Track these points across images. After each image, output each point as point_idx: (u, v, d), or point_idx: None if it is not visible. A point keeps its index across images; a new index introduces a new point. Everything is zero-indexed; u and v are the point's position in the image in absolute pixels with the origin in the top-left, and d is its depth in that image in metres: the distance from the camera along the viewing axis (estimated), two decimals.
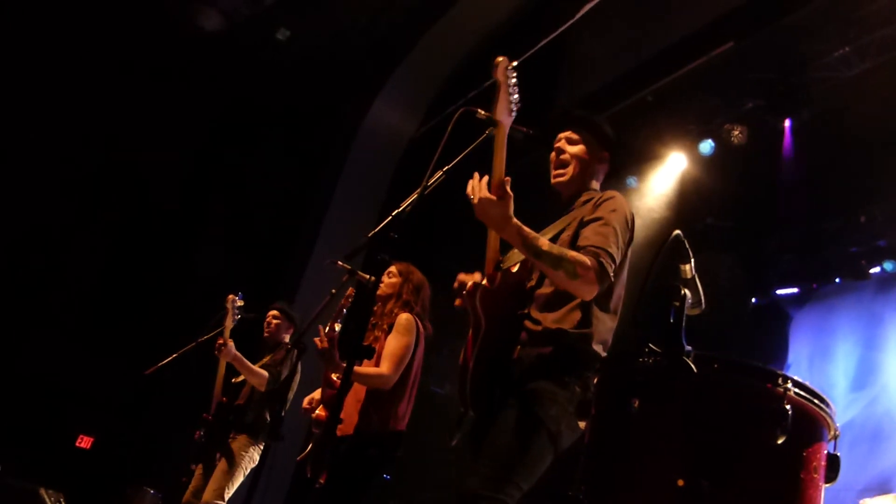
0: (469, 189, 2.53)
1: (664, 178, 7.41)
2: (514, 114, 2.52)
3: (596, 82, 7.15)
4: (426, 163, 2.60)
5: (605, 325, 2.72)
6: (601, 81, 7.12)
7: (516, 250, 2.79)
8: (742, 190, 7.01)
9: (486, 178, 2.51)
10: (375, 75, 8.38)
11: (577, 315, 2.66)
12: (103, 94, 7.62)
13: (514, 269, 2.82)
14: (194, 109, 7.81)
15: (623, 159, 7.20)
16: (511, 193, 2.47)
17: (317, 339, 3.96)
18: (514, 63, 2.50)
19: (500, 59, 2.48)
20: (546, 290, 2.72)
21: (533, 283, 2.77)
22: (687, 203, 7.26)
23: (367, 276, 4.08)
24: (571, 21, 6.14)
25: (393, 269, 4.41)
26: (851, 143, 6.10)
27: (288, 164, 8.27)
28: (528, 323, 2.69)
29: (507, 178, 2.49)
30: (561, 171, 2.99)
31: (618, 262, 2.64)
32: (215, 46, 7.65)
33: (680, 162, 7.23)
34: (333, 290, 4.31)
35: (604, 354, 2.69)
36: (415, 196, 2.65)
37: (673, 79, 6.76)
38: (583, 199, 2.94)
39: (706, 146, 7.01)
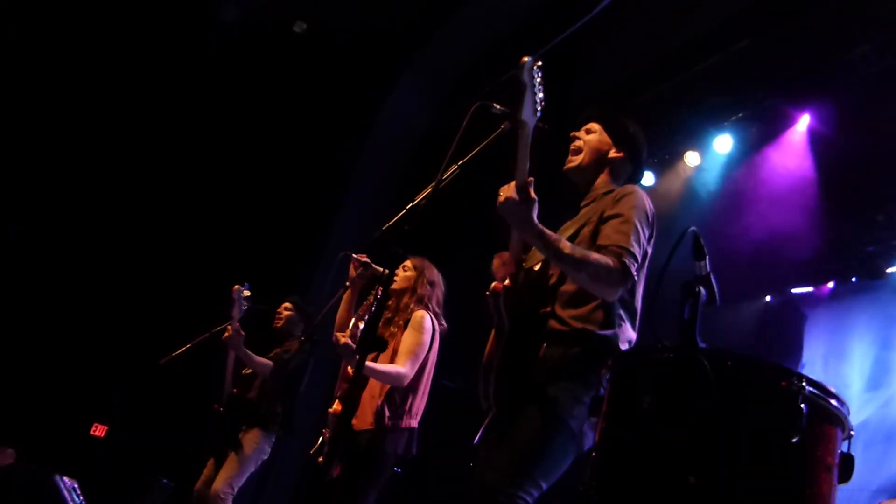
0: (501, 192, 2.50)
1: (679, 175, 7.39)
2: (538, 114, 2.50)
3: (612, 78, 7.12)
4: (442, 155, 2.60)
5: (629, 324, 2.70)
6: (618, 77, 7.10)
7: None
8: (758, 187, 6.97)
9: (513, 183, 2.47)
10: (392, 68, 8.37)
11: (602, 313, 2.63)
12: (114, 83, 7.65)
13: (537, 268, 2.81)
14: (207, 100, 7.82)
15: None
16: (535, 197, 2.44)
17: (339, 335, 3.96)
18: (540, 63, 2.48)
19: (526, 59, 2.45)
20: (569, 287, 2.67)
21: (555, 279, 2.72)
22: (702, 200, 7.23)
23: (381, 270, 4.08)
24: (590, 16, 6.11)
25: (408, 263, 4.40)
26: (870, 141, 6.05)
27: (303, 155, 8.27)
28: (552, 322, 2.65)
29: (531, 178, 2.47)
30: (572, 158, 2.96)
31: (640, 260, 2.61)
32: (232, 36, 7.66)
33: (694, 159, 7.20)
34: (347, 283, 4.32)
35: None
36: (429, 190, 2.65)
37: (689, 76, 6.73)
38: (600, 191, 2.89)
39: (722, 143, 6.98)
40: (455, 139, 2.58)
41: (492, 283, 2.77)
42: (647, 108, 6.77)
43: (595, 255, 2.52)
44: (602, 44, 6.81)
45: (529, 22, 7.18)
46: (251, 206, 8.24)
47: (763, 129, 6.78)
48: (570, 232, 2.78)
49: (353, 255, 4.22)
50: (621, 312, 2.68)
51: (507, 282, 2.74)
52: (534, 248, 2.82)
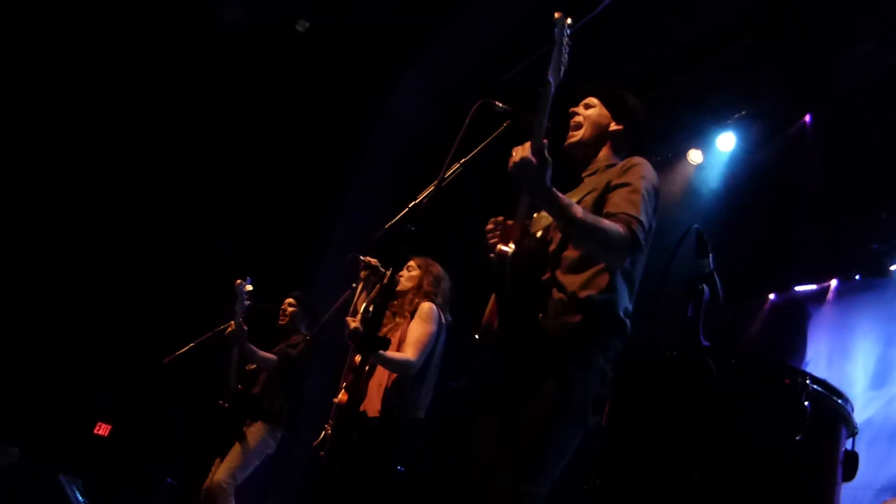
0: (514, 153, 2.45)
1: (681, 173, 7.37)
2: (562, 75, 2.47)
3: (615, 76, 7.10)
4: (445, 154, 2.59)
5: (627, 293, 2.67)
6: (620, 75, 7.08)
7: (542, 215, 2.75)
8: (761, 185, 6.95)
9: (528, 143, 2.43)
10: (395, 66, 8.37)
11: (603, 279, 2.60)
12: (119, 82, 7.65)
13: (539, 234, 2.79)
14: (211, 99, 7.83)
15: (645, 145, 7.17)
16: (549, 159, 2.40)
17: (349, 319, 3.96)
18: (569, 20, 2.47)
19: (559, 14, 2.44)
20: (570, 253, 2.65)
21: (555, 245, 2.70)
22: (704, 198, 7.21)
23: (387, 272, 4.08)
24: (592, 14, 6.09)
25: (412, 263, 4.42)
26: (873, 139, 6.03)
27: (306, 153, 8.27)
28: (554, 290, 2.62)
29: (546, 140, 2.43)
30: (573, 134, 2.95)
31: (647, 231, 2.58)
32: (234, 36, 7.66)
33: (697, 157, 7.18)
34: (354, 285, 4.33)
35: (628, 322, 2.64)
36: (432, 188, 2.65)
37: (691, 74, 6.72)
38: (602, 164, 2.88)
39: (724, 141, 6.96)
40: (457, 137, 2.57)
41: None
42: (650, 106, 6.74)
43: (606, 222, 2.49)
44: (605, 42, 6.79)
45: (532, 21, 7.17)
46: (255, 203, 8.24)
47: (766, 127, 6.76)
48: (573, 200, 2.75)
49: (362, 258, 4.24)
50: (621, 280, 2.65)
51: (511, 246, 2.69)
52: (537, 214, 2.80)
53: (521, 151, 2.41)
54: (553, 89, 2.46)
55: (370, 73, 8.30)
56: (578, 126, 2.95)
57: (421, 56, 8.24)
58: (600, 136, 2.94)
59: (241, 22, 7.62)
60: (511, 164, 2.42)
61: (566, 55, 2.46)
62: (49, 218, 7.54)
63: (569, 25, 2.46)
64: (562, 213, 2.46)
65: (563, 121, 2.98)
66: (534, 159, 2.38)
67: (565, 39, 2.45)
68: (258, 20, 7.72)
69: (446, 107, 8.41)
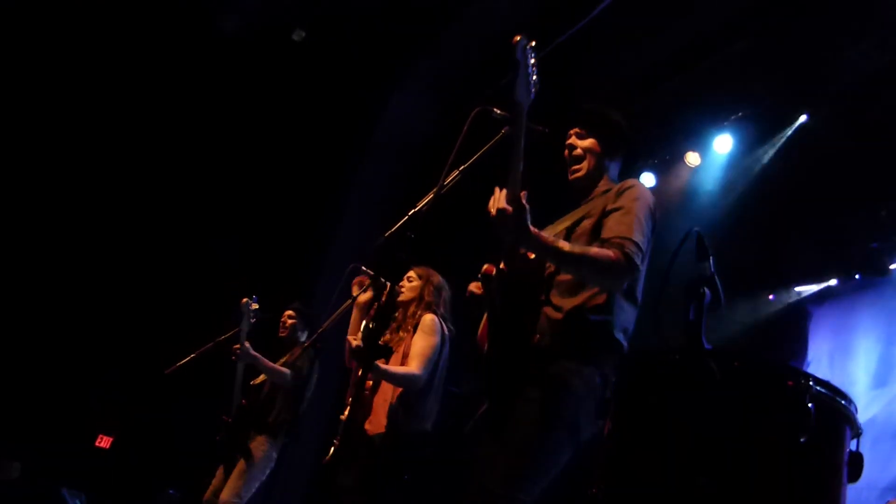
0: (490, 204, 2.46)
1: (679, 175, 7.38)
2: (532, 96, 2.47)
3: (613, 78, 7.11)
4: (444, 161, 2.59)
5: (627, 313, 2.69)
6: (618, 77, 7.09)
7: None
8: (760, 185, 6.96)
9: (504, 192, 2.42)
10: (393, 73, 8.37)
11: (599, 301, 2.61)
12: (121, 88, 7.65)
13: (533, 256, 2.80)
14: (210, 108, 7.83)
15: (638, 155, 7.18)
16: (527, 205, 2.40)
17: (351, 338, 3.96)
18: (533, 42, 2.47)
19: (518, 37, 2.44)
20: (566, 276, 2.68)
21: (552, 269, 2.71)
22: (703, 200, 7.22)
23: (387, 283, 4.08)
24: (590, 17, 6.10)
25: (412, 273, 4.41)
26: (871, 137, 6.03)
27: (305, 161, 8.28)
28: (548, 310, 2.64)
29: (524, 192, 2.42)
30: (577, 167, 2.95)
31: (644, 251, 2.60)
32: (232, 44, 7.67)
33: (695, 159, 7.19)
34: (355, 295, 4.33)
35: (625, 343, 2.65)
36: (431, 196, 2.65)
37: (689, 75, 6.72)
38: (601, 189, 2.90)
39: (722, 143, 6.97)
40: (456, 145, 2.57)
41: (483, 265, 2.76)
42: (647, 108, 6.77)
43: (594, 250, 2.52)
44: (602, 45, 6.80)
45: (530, 25, 7.17)
46: (254, 212, 8.24)
47: (763, 128, 6.77)
48: (568, 223, 2.77)
49: (363, 268, 4.23)
50: (620, 301, 2.67)
51: (502, 266, 2.71)
52: None
53: (498, 202, 2.39)
54: (525, 111, 2.46)
55: (368, 81, 8.31)
56: (580, 159, 2.96)
57: (419, 64, 8.25)
58: (599, 164, 2.96)
59: (243, 26, 7.63)
60: (491, 218, 2.40)
61: (534, 77, 2.45)
62: (48, 231, 7.53)
63: (531, 47, 2.45)
64: (549, 251, 2.48)
65: (561, 143, 2.99)
66: (509, 208, 2.37)
67: (530, 61, 2.44)
68: (259, 25, 7.73)
69: (445, 114, 8.42)
